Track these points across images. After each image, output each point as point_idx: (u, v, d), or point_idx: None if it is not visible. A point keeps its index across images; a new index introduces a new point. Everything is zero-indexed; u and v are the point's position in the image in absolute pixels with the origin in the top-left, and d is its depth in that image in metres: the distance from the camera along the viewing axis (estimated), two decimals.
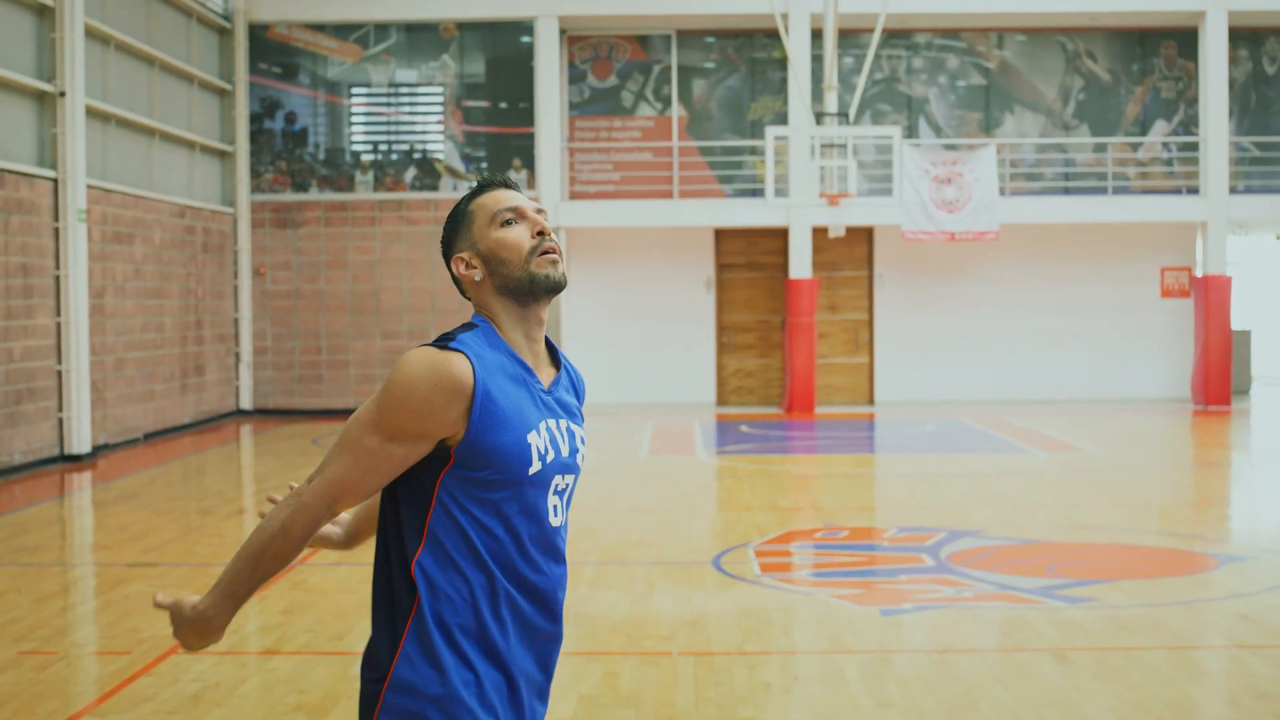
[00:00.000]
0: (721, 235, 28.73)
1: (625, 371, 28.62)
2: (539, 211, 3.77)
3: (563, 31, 27.94)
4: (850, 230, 28.03)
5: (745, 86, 28.39)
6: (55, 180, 19.71)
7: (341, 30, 27.66)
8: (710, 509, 16.02)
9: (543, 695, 3.81)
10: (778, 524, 14.33)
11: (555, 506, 3.76)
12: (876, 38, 24.91)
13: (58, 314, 19.76)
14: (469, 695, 3.59)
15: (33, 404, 19.10)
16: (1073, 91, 28.57)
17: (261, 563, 3.81)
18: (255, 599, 11.00)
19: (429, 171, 27.54)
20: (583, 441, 3.86)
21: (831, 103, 25.56)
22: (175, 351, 24.13)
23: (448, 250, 3.82)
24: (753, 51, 28.40)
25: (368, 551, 12.77)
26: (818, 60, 27.42)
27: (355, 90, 27.92)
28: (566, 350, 27.40)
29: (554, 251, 3.73)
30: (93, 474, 19.08)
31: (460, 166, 27.48)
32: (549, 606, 3.75)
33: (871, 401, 28.80)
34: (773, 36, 27.86)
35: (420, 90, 27.89)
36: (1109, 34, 28.56)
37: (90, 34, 21.07)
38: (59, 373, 19.78)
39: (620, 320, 28.49)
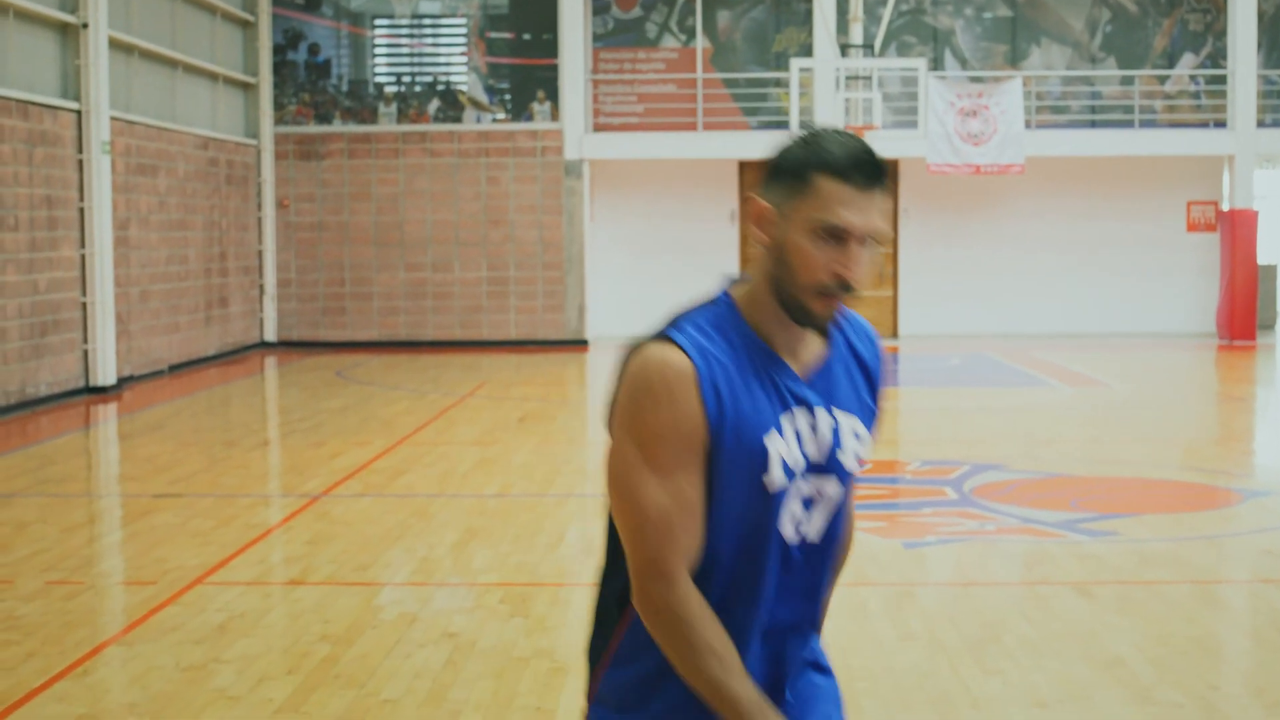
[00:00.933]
0: (746, 167, 28.63)
1: (649, 304, 28.56)
2: (868, 236, 3.12)
3: None
4: None
5: (770, 18, 28.24)
6: (79, 112, 19.70)
7: None
8: None
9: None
10: None
11: (800, 520, 3.25)
12: None
13: (82, 246, 19.78)
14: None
15: (58, 336, 19.16)
16: (1100, 23, 28.36)
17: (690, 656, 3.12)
18: (280, 530, 11.06)
19: (452, 103, 27.46)
20: (857, 437, 3.28)
21: (857, 34, 25.42)
22: (199, 284, 24.17)
23: (763, 186, 3.25)
24: None
25: (391, 483, 12.83)
26: None
27: (378, 21, 27.83)
28: (590, 288, 27.39)
29: (838, 300, 3.13)
30: (118, 406, 19.15)
31: (484, 98, 27.40)
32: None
33: (895, 335, 28.76)
34: None
35: (443, 21, 27.79)
36: None
37: None
38: (84, 305, 19.82)
39: (644, 253, 28.44)
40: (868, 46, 25.44)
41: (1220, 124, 28.02)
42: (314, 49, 27.55)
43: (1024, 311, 28.70)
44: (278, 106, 27.39)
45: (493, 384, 21.18)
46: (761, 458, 3.12)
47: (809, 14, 27.63)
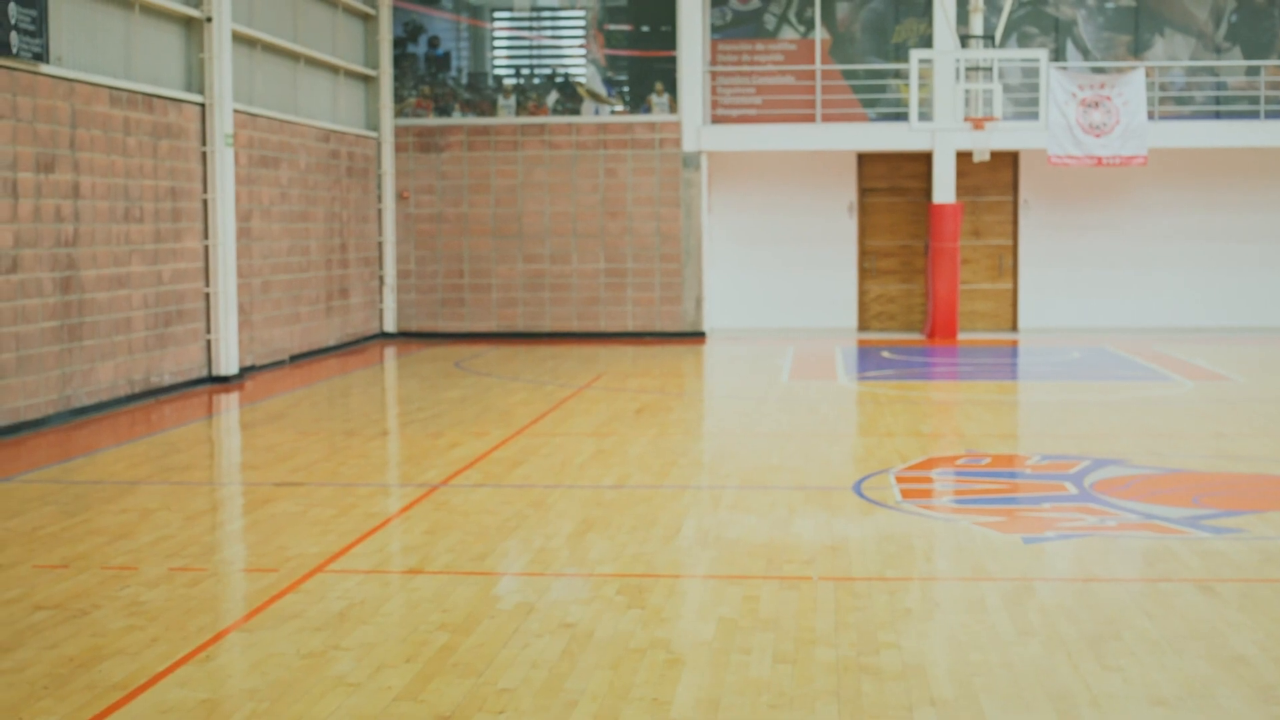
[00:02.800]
0: (864, 159, 28.51)
1: (766, 296, 28.55)
2: None
3: None
4: (995, 154, 27.69)
5: (889, 9, 28.08)
6: (202, 105, 19.95)
7: None
8: (851, 434, 15.97)
9: None
10: (919, 450, 14.26)
11: None
12: None
13: (205, 237, 20.03)
14: None
15: (181, 326, 19.41)
16: (1225, 13, 27.97)
17: None
18: (399, 519, 11.14)
19: (571, 95, 27.54)
20: None
21: (977, 25, 25.23)
22: (320, 274, 24.40)
23: None
24: None
25: (508, 473, 12.89)
26: None
27: (497, 14, 27.95)
28: (707, 280, 27.39)
29: None
30: (240, 395, 19.37)
31: (602, 90, 27.45)
32: None
33: (1015, 328, 28.53)
34: None
35: (562, 13, 27.87)
36: None
37: None
38: (207, 295, 20.07)
39: (762, 245, 28.40)
40: (988, 37, 25.24)
41: None
42: (434, 42, 27.71)
43: (1145, 305, 28.37)
44: (398, 99, 27.59)
45: (610, 375, 21.22)
46: None
47: (929, 5, 27.46)
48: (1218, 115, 28.00)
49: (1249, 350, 24.35)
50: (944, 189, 26.72)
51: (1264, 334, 27.35)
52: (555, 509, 11.41)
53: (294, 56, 23.71)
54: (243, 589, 9.14)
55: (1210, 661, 7.38)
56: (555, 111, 27.51)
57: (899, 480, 12.66)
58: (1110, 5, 28.02)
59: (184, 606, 8.54)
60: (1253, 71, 27.93)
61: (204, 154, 19.97)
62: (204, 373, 20.05)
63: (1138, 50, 27.95)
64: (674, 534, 10.46)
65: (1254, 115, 27.78)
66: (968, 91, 24.88)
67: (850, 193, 28.49)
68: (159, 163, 18.79)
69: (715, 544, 10.14)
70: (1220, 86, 28.13)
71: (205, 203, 20.00)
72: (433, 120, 27.58)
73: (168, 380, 19.04)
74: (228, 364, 20.28)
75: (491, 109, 27.60)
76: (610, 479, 12.80)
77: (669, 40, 27.25)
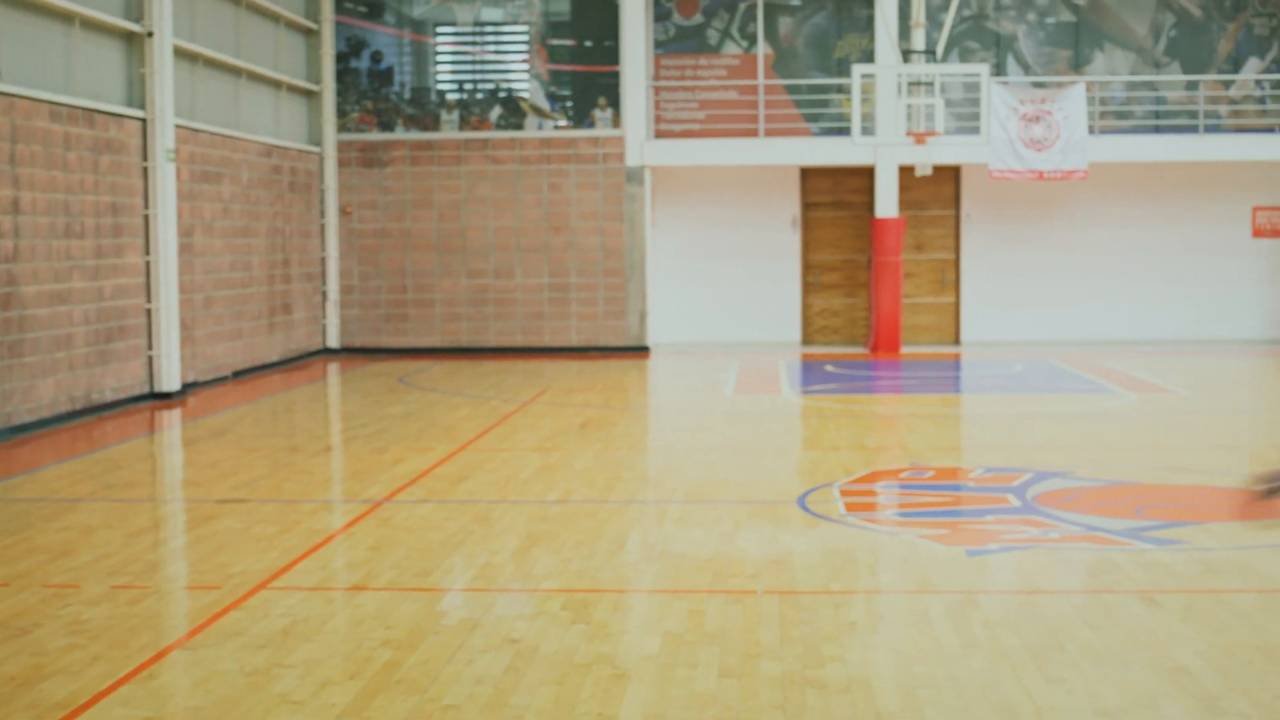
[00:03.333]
0: (807, 174, 28.59)
1: (711, 311, 28.59)
2: None
3: None
4: (937, 169, 27.82)
5: (832, 24, 28.19)
6: (144, 120, 19.84)
7: None
8: (795, 448, 16.00)
9: None
10: (863, 464, 14.30)
11: None
12: None
13: (147, 253, 19.92)
14: None
15: (123, 342, 19.30)
16: (1164, 28, 28.19)
17: None
18: (343, 535, 11.09)
19: (514, 110, 27.53)
20: None
21: (919, 40, 25.36)
22: (263, 290, 24.30)
23: None
24: None
25: (453, 489, 12.84)
26: None
27: (440, 29, 27.93)
28: (651, 294, 27.41)
29: None
30: (182, 411, 19.26)
31: (545, 105, 27.45)
32: None
33: (958, 342, 28.66)
34: None
35: (505, 28, 27.86)
36: None
37: None
38: (148, 311, 19.96)
39: (706, 259, 28.44)
40: (930, 52, 25.36)
41: None
42: (377, 56, 27.67)
43: (1088, 318, 28.54)
44: (341, 114, 27.52)
45: (554, 390, 21.21)
46: None
47: (871, 20, 27.57)
48: (1157, 129, 28.21)
49: (1191, 362, 24.52)
50: (887, 203, 26.82)
51: (1205, 346, 27.56)
52: (500, 524, 11.38)
53: (236, 71, 23.62)
54: (185, 606, 9.08)
55: (1153, 672, 7.41)
56: (499, 126, 27.49)
57: (843, 494, 12.69)
58: (1051, 21, 28.20)
59: (126, 624, 8.48)
60: (1191, 86, 28.16)
61: (145, 169, 19.86)
62: (146, 389, 19.93)
63: (1078, 65, 28.14)
64: (619, 549, 10.45)
65: (1193, 129, 28.00)
66: (910, 106, 24.98)
67: (793, 207, 28.56)
68: (100, 178, 18.68)
69: (660, 558, 10.14)
70: (1159, 101, 28.34)
71: (147, 218, 19.89)
72: (376, 135, 27.52)
73: (109, 397, 18.92)
74: (170, 380, 20.16)
75: (435, 124, 27.56)
76: (555, 494, 12.78)
77: (612, 55, 27.27)
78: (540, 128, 27.35)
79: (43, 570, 9.88)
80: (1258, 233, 28.40)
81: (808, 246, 28.70)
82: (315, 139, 27.29)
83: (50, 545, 10.70)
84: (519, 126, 27.45)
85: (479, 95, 27.69)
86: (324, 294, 27.33)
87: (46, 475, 14.17)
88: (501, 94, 27.66)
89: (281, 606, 8.85)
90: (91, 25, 18.89)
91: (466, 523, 11.42)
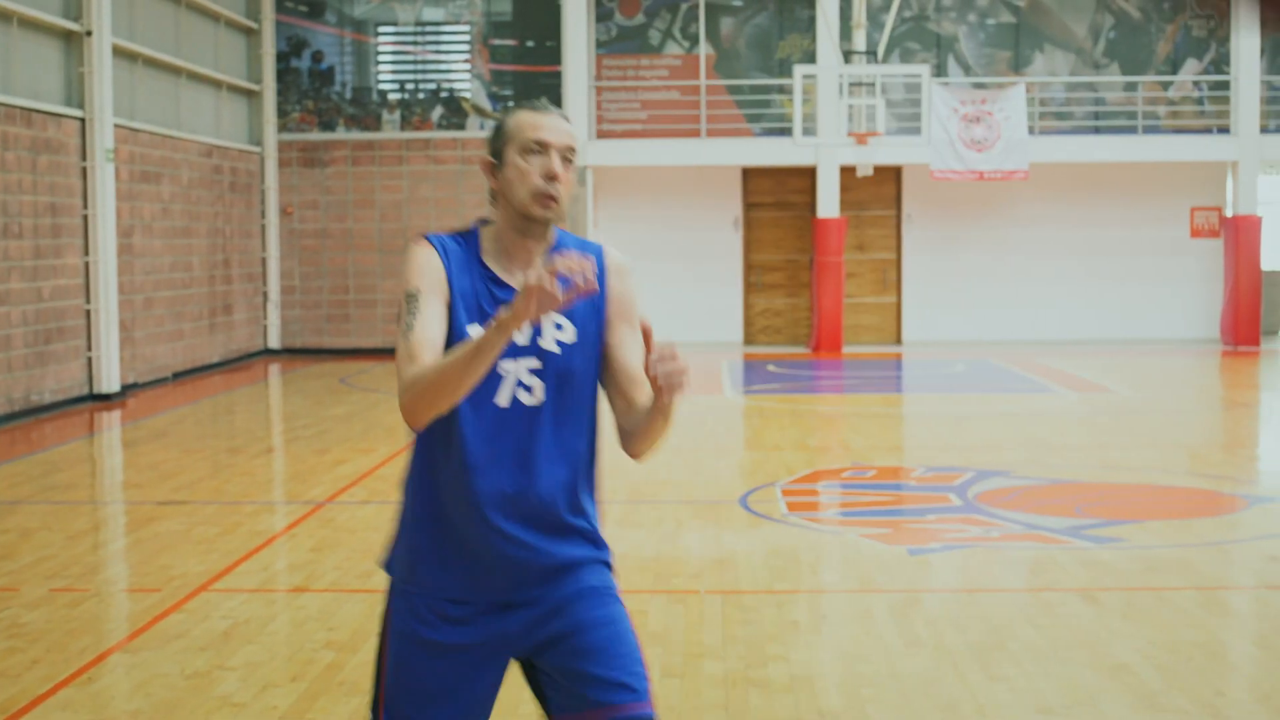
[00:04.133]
0: (749, 174, 28.65)
1: (653, 310, 28.57)
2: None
3: None
4: (878, 169, 27.91)
5: (773, 24, 28.25)
6: (82, 120, 19.71)
7: None
8: (738, 448, 16.03)
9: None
10: (805, 463, 14.33)
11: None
12: None
13: (86, 253, 19.79)
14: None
15: (62, 343, 19.16)
16: (1103, 30, 28.36)
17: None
18: (284, 537, 11.05)
19: (456, 110, 27.48)
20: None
21: (860, 41, 25.44)
22: (203, 291, 24.18)
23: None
24: None
25: (395, 491, 12.83)
26: None
27: (382, 29, 27.85)
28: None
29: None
30: (122, 413, 19.15)
31: (487, 105, 27.40)
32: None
33: (899, 341, 28.76)
34: None
35: (446, 28, 27.81)
36: None
37: None
38: (88, 312, 19.82)
39: (648, 259, 28.43)
40: (871, 53, 25.45)
41: (1224, 130, 28.02)
42: (317, 56, 27.57)
43: (1028, 318, 28.70)
44: (281, 114, 27.41)
45: None
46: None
47: (812, 21, 27.64)
48: (1097, 130, 28.38)
49: (1130, 362, 24.68)
50: (828, 204, 26.90)
51: (1145, 346, 27.74)
52: None
53: (176, 71, 23.49)
54: (125, 609, 9.03)
55: (1094, 670, 7.46)
56: (440, 126, 27.44)
57: (785, 493, 12.72)
58: (991, 22, 28.33)
59: (65, 628, 8.42)
60: (1130, 87, 28.34)
61: (84, 169, 19.73)
62: (85, 391, 19.79)
63: (1018, 66, 28.28)
64: None
65: (1132, 130, 28.18)
66: (851, 107, 25.06)
67: (735, 207, 28.61)
68: (38, 178, 18.54)
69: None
70: (1099, 102, 28.51)
71: (86, 219, 19.76)
72: (316, 135, 27.42)
73: (48, 398, 18.79)
74: (109, 382, 20.03)
75: (376, 124, 27.49)
76: None
77: (554, 55, 27.24)
78: (482, 128, 27.30)
79: None
80: (1195, 233, 28.60)
81: (750, 247, 28.75)
82: (256, 139, 27.17)
83: None
84: (461, 126, 27.40)
85: (421, 95, 27.63)
86: (265, 294, 27.21)
87: None
88: (443, 94, 27.61)
89: (223, 609, 8.80)
90: (30, 24, 18.75)
91: None
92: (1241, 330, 27.07)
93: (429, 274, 3.96)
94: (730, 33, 28.22)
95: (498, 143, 4.05)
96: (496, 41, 27.54)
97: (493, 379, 3.93)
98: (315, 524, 11.46)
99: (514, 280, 4.02)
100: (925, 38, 28.33)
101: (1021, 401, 19.52)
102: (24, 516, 11.94)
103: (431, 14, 27.75)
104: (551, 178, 3.98)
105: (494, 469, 3.95)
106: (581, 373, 4.04)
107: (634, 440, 4.05)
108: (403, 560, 4.13)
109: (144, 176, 21.80)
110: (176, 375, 22.96)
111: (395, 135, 27.39)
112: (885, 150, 26.32)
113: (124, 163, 20.98)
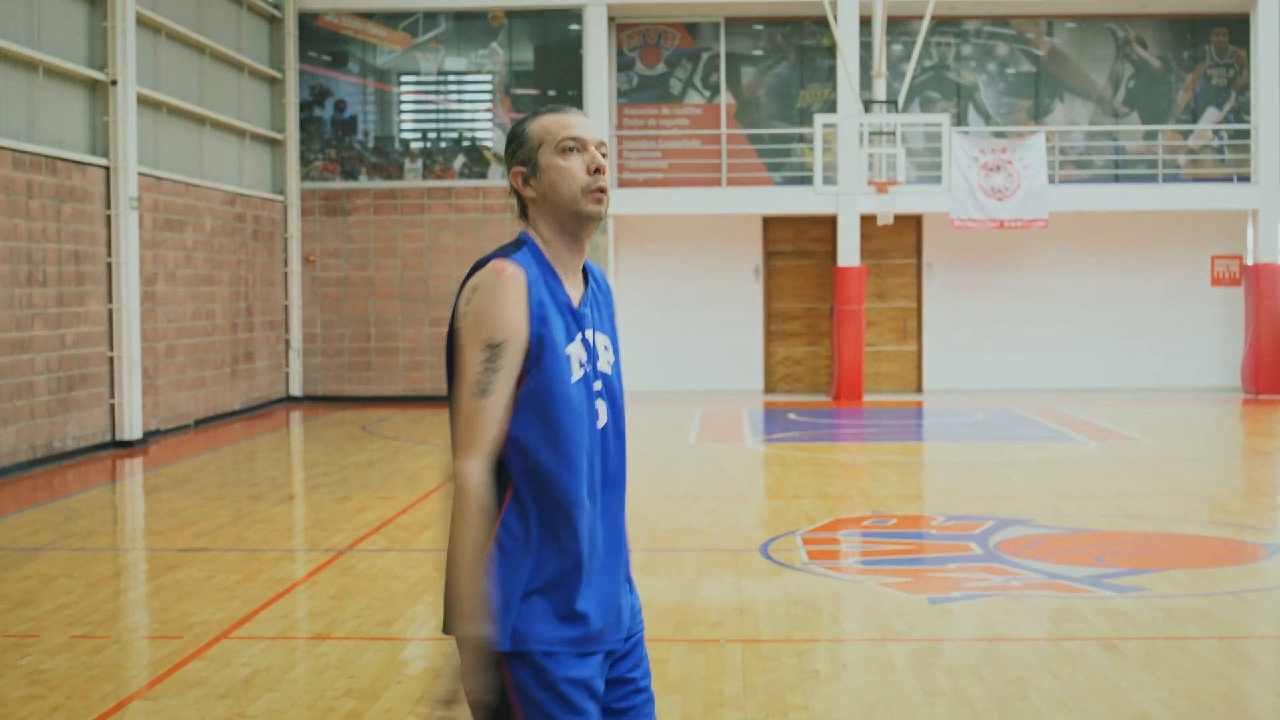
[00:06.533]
0: (770, 223, 28.70)
1: (673, 359, 28.61)
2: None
3: (611, 19, 27.94)
4: (899, 218, 27.93)
5: (794, 74, 28.35)
6: (107, 168, 19.83)
7: (391, 18, 27.72)
8: (758, 496, 16.02)
9: None
10: (826, 512, 14.32)
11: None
12: (925, 25, 24.76)
13: (109, 301, 19.88)
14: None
15: (85, 390, 19.23)
16: (1123, 79, 28.42)
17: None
18: (305, 584, 11.07)
19: (477, 159, 27.59)
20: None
21: (880, 90, 25.49)
22: (226, 338, 24.26)
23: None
24: (801, 39, 28.34)
25: (416, 539, 12.83)
26: (866, 47, 27.31)
27: (404, 78, 27.99)
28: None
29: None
30: (144, 460, 19.20)
31: None
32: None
33: (920, 390, 28.74)
34: (821, 24, 27.81)
35: (469, 77, 27.95)
36: (1160, 20, 28.39)
37: (141, 23, 21.16)
38: (111, 359, 19.90)
39: (669, 307, 28.48)
40: (891, 102, 25.50)
41: (1244, 178, 28.03)
42: (340, 105, 27.71)
43: (1048, 366, 28.67)
44: (304, 162, 27.54)
45: None
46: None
47: (833, 70, 27.73)
48: (1116, 179, 28.41)
49: (1151, 410, 24.64)
50: (849, 252, 26.93)
51: (1166, 394, 27.69)
52: None
53: (199, 119, 23.63)
54: (146, 656, 9.05)
55: (1115, 719, 7.43)
56: (462, 175, 27.54)
57: (806, 542, 12.70)
58: (1011, 71, 28.41)
59: (86, 674, 8.44)
60: (1150, 136, 28.38)
61: (108, 217, 19.84)
62: (107, 437, 19.85)
63: (1038, 115, 28.34)
64: None
65: (1152, 179, 28.20)
66: (871, 156, 25.10)
67: (756, 256, 28.65)
68: (62, 226, 18.65)
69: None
70: (1119, 151, 28.55)
71: (109, 266, 19.86)
72: (339, 184, 27.55)
73: (70, 445, 18.85)
74: (131, 428, 20.09)
75: (398, 173, 27.61)
76: None
77: (575, 104, 27.32)
78: (503, 177, 27.36)
79: (2, 620, 9.83)
80: (1216, 281, 28.59)
81: (770, 295, 28.78)
82: (279, 187, 27.30)
83: (10, 594, 10.65)
84: (482, 175, 27.50)
85: (443, 144, 27.75)
86: (287, 342, 27.29)
87: (6, 524, 14.10)
88: (465, 143, 27.73)
89: (243, 656, 8.82)
90: (55, 73, 18.89)
91: (429, 571, 11.40)
92: (1263, 378, 27.01)
93: (514, 320, 3.79)
94: (751, 82, 28.31)
95: (526, 150, 3.99)
96: (518, 91, 27.66)
97: (587, 397, 3.91)
98: (336, 571, 11.47)
99: (573, 294, 3.97)
100: (945, 87, 28.40)
101: (1042, 450, 19.49)
102: (45, 563, 11.97)
103: (454, 63, 27.89)
104: (598, 170, 3.95)
105: (591, 498, 3.93)
106: (622, 396, 4.06)
107: None
108: (533, 617, 4.02)
109: (168, 224, 21.90)
110: (198, 422, 23.01)
111: (417, 184, 27.49)
112: (906, 199, 26.35)
113: (148, 211, 21.09)
